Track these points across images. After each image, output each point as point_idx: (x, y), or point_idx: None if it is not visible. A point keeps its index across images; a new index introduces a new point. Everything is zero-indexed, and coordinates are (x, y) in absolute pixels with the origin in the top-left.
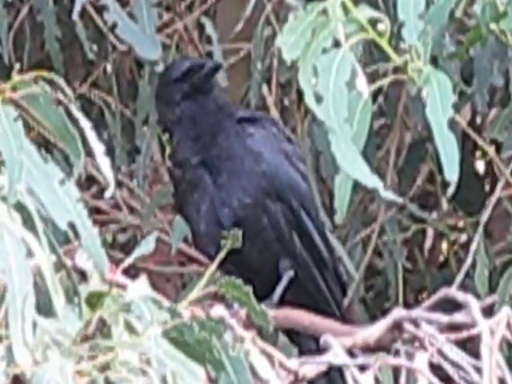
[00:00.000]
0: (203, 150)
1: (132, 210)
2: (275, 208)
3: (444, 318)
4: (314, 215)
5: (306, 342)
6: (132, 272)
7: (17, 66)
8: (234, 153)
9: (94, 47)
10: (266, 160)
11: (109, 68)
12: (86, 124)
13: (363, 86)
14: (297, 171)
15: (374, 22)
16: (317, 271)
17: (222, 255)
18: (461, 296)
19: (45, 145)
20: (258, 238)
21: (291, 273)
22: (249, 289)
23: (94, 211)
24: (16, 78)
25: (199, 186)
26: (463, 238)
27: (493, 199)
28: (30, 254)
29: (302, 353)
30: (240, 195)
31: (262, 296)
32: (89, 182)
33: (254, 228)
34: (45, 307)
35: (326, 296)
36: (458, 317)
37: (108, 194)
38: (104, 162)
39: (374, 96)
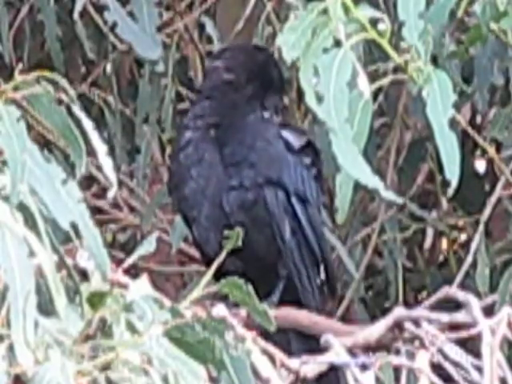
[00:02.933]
0: (222, 121)
1: (132, 209)
2: (274, 193)
3: (445, 318)
4: (313, 211)
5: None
6: (132, 271)
7: (19, 66)
8: (246, 131)
9: (94, 47)
10: (276, 145)
11: (109, 67)
12: (88, 124)
13: (364, 86)
14: (305, 167)
15: (374, 22)
16: (301, 263)
17: (222, 256)
18: (461, 295)
19: (45, 145)
20: (260, 227)
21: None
22: (250, 288)
23: (95, 211)
24: (18, 78)
25: (204, 159)
26: (463, 237)
27: (493, 198)
28: (31, 253)
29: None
30: (251, 174)
31: (262, 295)
32: (89, 182)
33: (256, 215)
34: (46, 307)
35: (306, 288)
36: (459, 316)
37: (110, 194)
38: (106, 163)
39: (374, 95)
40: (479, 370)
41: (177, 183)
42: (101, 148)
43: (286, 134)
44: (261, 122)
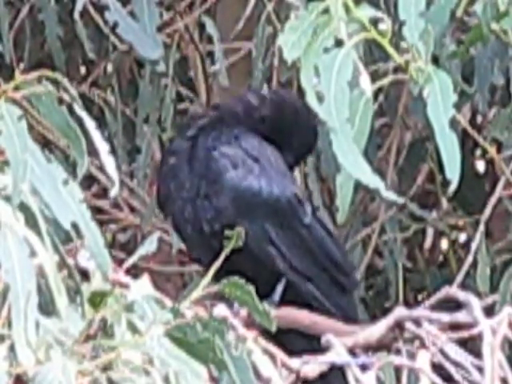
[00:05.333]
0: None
1: (132, 209)
2: (253, 228)
3: (445, 318)
4: (302, 215)
5: (299, 342)
6: (133, 271)
7: (20, 66)
8: (202, 172)
9: (95, 47)
10: (227, 181)
11: (109, 67)
12: (90, 123)
13: (366, 84)
14: (266, 178)
15: (374, 22)
16: (305, 279)
17: (223, 255)
18: (462, 295)
19: (46, 145)
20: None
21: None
22: (251, 288)
23: (95, 211)
24: (19, 77)
25: (180, 187)
26: (463, 237)
27: (493, 198)
28: (32, 253)
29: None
30: (212, 215)
31: (263, 295)
32: (89, 182)
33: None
34: (47, 307)
35: (321, 300)
36: (460, 316)
37: (113, 193)
38: (109, 162)
39: (375, 96)
40: (480, 370)
41: (164, 201)
42: (103, 147)
43: (230, 151)
44: (206, 152)
